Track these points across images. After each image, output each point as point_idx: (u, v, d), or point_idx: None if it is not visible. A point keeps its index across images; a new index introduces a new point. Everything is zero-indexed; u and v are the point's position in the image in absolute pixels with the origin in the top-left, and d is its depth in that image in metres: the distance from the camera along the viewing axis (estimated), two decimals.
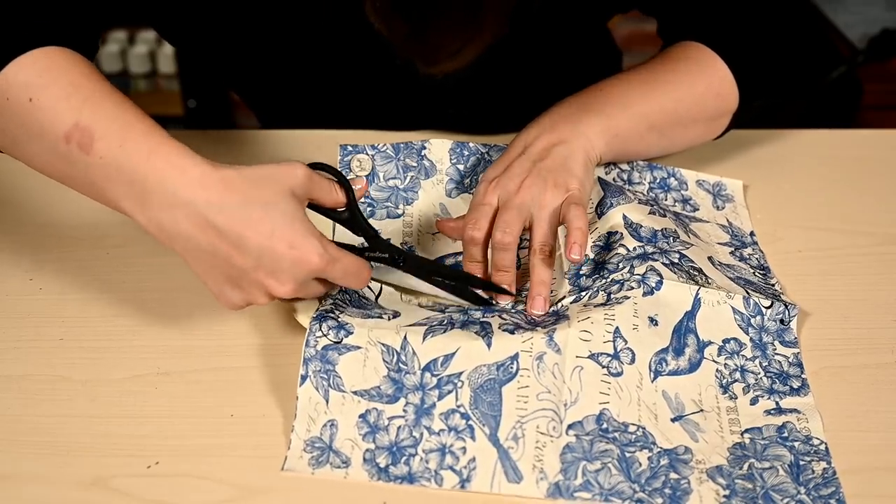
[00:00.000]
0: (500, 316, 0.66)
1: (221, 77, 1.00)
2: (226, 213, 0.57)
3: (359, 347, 0.62)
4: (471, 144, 0.81)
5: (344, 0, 0.62)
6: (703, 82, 0.80)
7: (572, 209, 0.69)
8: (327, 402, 0.60)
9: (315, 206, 0.64)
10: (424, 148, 0.80)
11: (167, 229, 0.58)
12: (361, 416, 0.60)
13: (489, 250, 0.70)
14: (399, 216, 0.78)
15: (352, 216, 0.66)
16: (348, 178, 0.67)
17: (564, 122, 0.75)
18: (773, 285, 0.72)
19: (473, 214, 0.71)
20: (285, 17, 0.79)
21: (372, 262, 0.66)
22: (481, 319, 0.65)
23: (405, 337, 0.62)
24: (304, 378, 0.61)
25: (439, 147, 0.80)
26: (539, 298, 0.68)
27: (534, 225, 0.70)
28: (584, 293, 0.68)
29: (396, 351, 0.62)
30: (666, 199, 0.80)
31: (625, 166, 0.81)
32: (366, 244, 0.67)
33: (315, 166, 0.64)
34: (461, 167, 0.80)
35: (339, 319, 0.63)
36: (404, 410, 0.60)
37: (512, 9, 0.65)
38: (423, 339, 0.62)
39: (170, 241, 0.59)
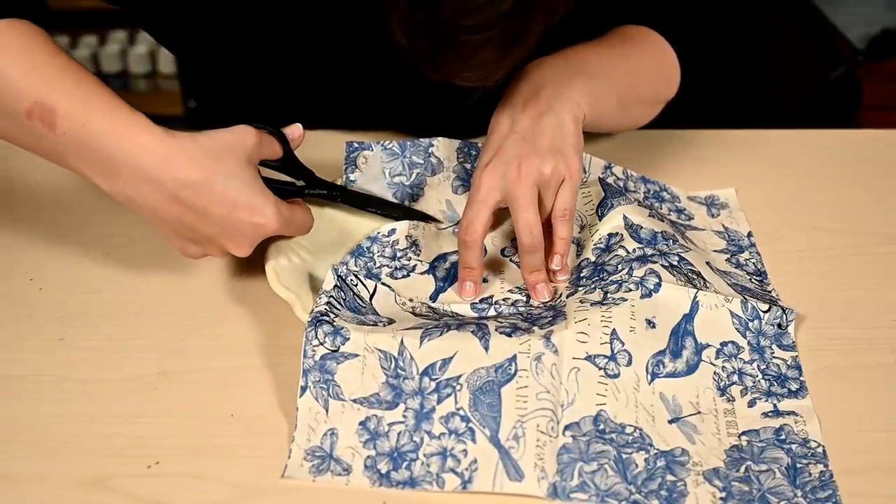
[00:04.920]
0: (496, 318, 0.67)
1: (223, 78, 0.96)
2: (191, 189, 0.62)
3: (356, 355, 0.62)
4: (479, 144, 0.81)
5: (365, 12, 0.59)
6: (657, 64, 0.80)
7: (559, 223, 0.69)
8: (327, 411, 0.60)
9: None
10: (432, 146, 0.79)
11: (136, 201, 0.63)
12: (361, 423, 0.60)
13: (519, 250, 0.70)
14: None
15: (289, 162, 0.70)
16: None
17: (548, 86, 0.73)
18: (769, 291, 0.72)
19: (468, 214, 0.70)
20: (301, 21, 0.77)
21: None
22: (477, 320, 0.65)
23: (402, 341, 0.62)
24: (303, 389, 0.61)
25: (447, 146, 0.79)
26: (557, 256, 0.70)
27: (544, 199, 0.70)
28: (581, 288, 0.68)
29: (394, 357, 0.62)
30: (661, 209, 0.80)
31: (620, 175, 0.81)
32: (303, 183, 0.72)
33: (255, 126, 0.66)
34: (468, 166, 0.79)
35: (335, 324, 0.62)
36: (404, 416, 0.60)
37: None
38: (420, 343, 0.62)
39: (138, 209, 0.64)
